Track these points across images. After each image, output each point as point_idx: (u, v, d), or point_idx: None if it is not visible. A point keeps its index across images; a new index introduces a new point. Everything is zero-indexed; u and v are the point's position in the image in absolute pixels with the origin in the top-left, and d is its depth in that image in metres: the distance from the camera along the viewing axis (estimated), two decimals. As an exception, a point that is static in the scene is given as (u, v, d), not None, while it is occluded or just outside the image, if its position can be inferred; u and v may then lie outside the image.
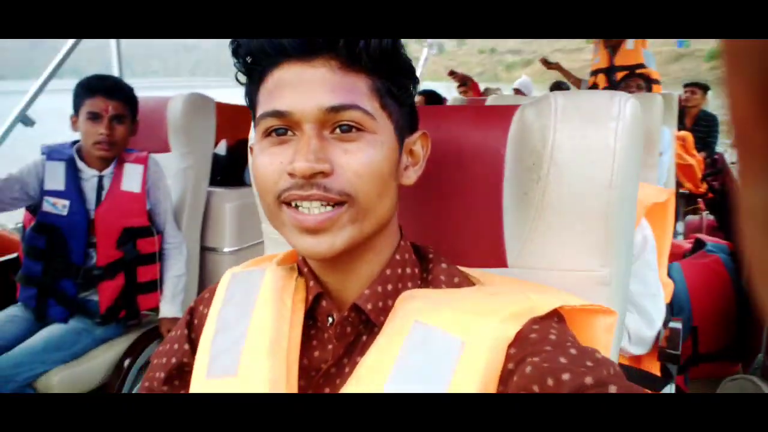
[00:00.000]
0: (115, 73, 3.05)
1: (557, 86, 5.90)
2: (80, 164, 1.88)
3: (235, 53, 0.61)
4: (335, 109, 0.57)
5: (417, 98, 2.61)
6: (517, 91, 6.24)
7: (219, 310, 0.70)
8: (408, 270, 0.67)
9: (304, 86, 0.58)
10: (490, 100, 5.08)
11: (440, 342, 0.57)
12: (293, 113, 0.58)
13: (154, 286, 2.00)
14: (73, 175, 1.85)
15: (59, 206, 1.83)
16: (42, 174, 1.85)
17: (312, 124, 0.58)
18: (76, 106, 1.81)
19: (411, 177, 0.67)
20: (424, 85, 5.75)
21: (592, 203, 0.68)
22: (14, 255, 2.12)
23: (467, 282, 0.67)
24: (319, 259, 0.63)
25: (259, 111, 0.60)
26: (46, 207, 1.84)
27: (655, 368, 1.56)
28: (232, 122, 2.50)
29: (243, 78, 0.64)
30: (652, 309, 1.46)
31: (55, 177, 1.84)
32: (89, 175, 1.89)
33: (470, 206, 0.79)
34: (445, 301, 0.61)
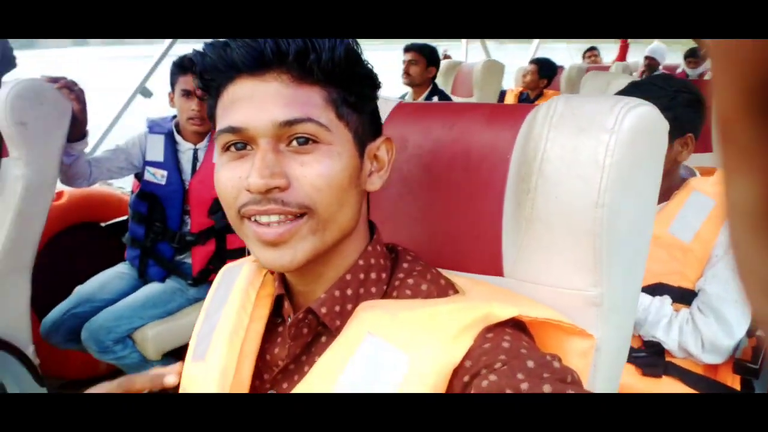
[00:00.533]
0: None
1: (692, 53, 5.39)
2: (178, 137, 2.03)
3: (191, 69, 0.63)
4: (289, 123, 0.58)
5: (529, 67, 2.55)
6: (650, 59, 5.75)
7: (210, 299, 0.76)
8: (373, 275, 0.67)
9: (258, 101, 0.58)
10: (613, 68, 4.75)
11: (388, 357, 0.57)
12: (248, 129, 0.59)
13: (242, 253, 2.13)
14: (171, 148, 2.01)
15: (158, 176, 2.00)
16: (144, 146, 2.02)
17: (267, 138, 0.58)
18: (172, 83, 1.95)
19: (375, 183, 0.67)
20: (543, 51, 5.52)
21: (579, 220, 0.64)
22: (126, 217, 2.35)
23: (438, 289, 0.66)
24: (282, 271, 0.65)
25: (218, 126, 0.62)
26: (147, 176, 2.01)
27: (734, 381, 1.43)
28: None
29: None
30: (731, 316, 1.34)
31: (156, 149, 2.01)
32: (185, 147, 2.03)
33: (474, 211, 0.77)
34: (402, 314, 0.60)
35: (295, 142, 0.59)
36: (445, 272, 0.73)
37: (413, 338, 0.57)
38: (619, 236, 0.64)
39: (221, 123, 0.61)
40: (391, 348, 0.57)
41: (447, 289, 0.66)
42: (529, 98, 4.07)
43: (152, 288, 2.04)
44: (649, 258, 1.44)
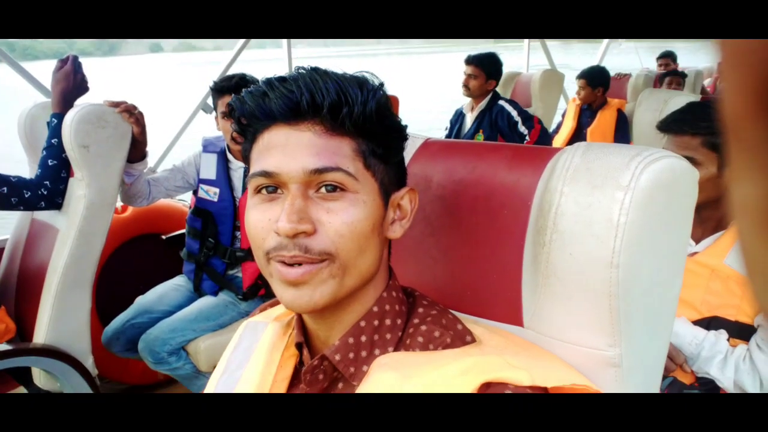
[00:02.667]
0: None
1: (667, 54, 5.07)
2: (229, 156, 2.09)
3: (231, 114, 0.66)
4: (319, 171, 0.61)
5: (578, 83, 2.48)
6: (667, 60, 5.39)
7: (231, 351, 0.78)
8: (388, 321, 0.67)
9: (291, 149, 0.61)
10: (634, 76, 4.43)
11: None
12: (280, 174, 0.61)
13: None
14: (223, 166, 2.07)
15: (211, 193, 2.07)
16: (199, 164, 2.09)
17: (297, 184, 0.61)
18: (214, 105, 2.01)
19: (397, 231, 0.69)
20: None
21: (594, 280, 0.61)
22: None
23: (454, 335, 0.66)
24: (301, 312, 0.67)
25: (252, 169, 0.65)
26: (201, 193, 2.08)
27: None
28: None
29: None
30: None
31: (209, 167, 2.07)
32: (237, 166, 2.09)
33: (494, 257, 0.75)
34: (414, 376, 0.61)
35: (323, 189, 0.62)
36: (465, 317, 0.72)
37: None
38: (637, 297, 0.61)
39: (255, 167, 0.64)
40: None
41: (464, 336, 0.66)
42: (590, 108, 3.94)
43: (205, 301, 2.11)
44: (704, 290, 1.38)
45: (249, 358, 0.75)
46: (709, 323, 1.37)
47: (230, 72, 2.60)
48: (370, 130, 0.63)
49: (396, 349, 0.66)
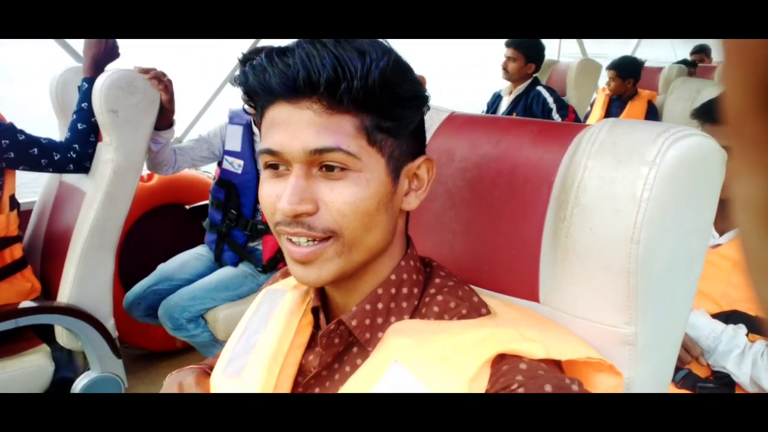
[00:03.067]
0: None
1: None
2: (255, 129, 2.10)
3: (244, 89, 0.65)
4: (319, 151, 0.60)
5: (608, 74, 2.45)
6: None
7: (248, 318, 0.79)
8: (404, 290, 0.68)
9: (292, 127, 0.60)
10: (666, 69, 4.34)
11: (411, 388, 0.59)
12: (283, 153, 0.61)
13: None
14: (248, 138, 2.09)
15: (235, 165, 2.09)
16: (224, 135, 2.11)
17: (299, 164, 0.61)
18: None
19: (412, 202, 0.68)
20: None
21: (614, 255, 0.61)
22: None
23: (469, 307, 0.66)
24: (311, 286, 0.68)
25: (261, 144, 0.64)
26: (225, 165, 2.10)
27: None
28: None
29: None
30: None
31: (234, 139, 2.09)
32: (262, 139, 2.10)
33: (514, 232, 0.75)
34: (428, 345, 0.61)
35: (325, 168, 0.61)
36: (481, 291, 0.72)
37: (436, 373, 0.58)
38: (656, 275, 0.61)
39: (262, 143, 0.64)
40: (414, 380, 0.59)
41: (479, 308, 0.66)
42: (620, 99, 3.87)
43: (225, 272, 2.13)
44: (725, 283, 1.36)
45: (267, 324, 0.76)
46: (728, 317, 1.35)
47: (260, 45, 2.61)
48: (374, 103, 0.60)
49: (411, 317, 0.67)
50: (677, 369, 1.39)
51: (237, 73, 0.66)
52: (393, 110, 0.62)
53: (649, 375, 0.65)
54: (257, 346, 0.75)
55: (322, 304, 0.73)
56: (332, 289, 0.70)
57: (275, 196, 0.63)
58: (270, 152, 0.62)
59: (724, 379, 1.34)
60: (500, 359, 0.58)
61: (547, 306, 0.70)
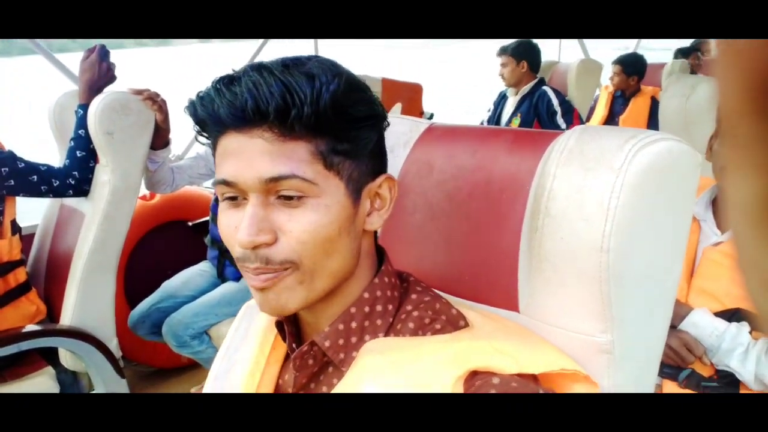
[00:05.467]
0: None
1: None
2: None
3: (194, 119, 0.63)
4: (274, 180, 0.58)
5: (613, 68, 2.42)
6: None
7: (230, 337, 0.79)
8: (379, 307, 0.67)
9: (245, 157, 0.59)
10: (668, 66, 4.30)
11: None
12: (238, 183, 0.59)
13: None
14: (246, 154, 2.09)
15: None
16: (222, 152, 2.12)
17: (256, 193, 0.59)
18: None
19: (375, 222, 0.66)
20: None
21: (585, 264, 0.60)
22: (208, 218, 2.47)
23: (447, 320, 0.65)
24: (273, 315, 0.67)
25: (215, 176, 0.63)
26: (224, 181, 2.11)
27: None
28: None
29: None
30: None
31: None
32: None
33: (493, 243, 0.74)
34: (401, 361, 0.60)
35: (283, 197, 0.59)
36: (461, 303, 0.71)
37: (409, 392, 0.57)
38: (629, 282, 0.60)
39: (217, 173, 0.62)
40: None
41: (457, 320, 0.66)
42: (623, 96, 3.85)
43: (228, 287, 2.14)
44: (728, 281, 1.34)
45: (245, 341, 0.76)
46: (731, 315, 1.33)
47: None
48: (328, 127, 0.59)
49: (386, 335, 0.66)
50: (680, 369, 1.37)
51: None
52: (348, 132, 0.61)
53: (629, 383, 0.64)
54: (237, 364, 0.75)
55: (293, 320, 0.72)
56: (303, 311, 0.69)
57: (234, 227, 0.61)
58: (225, 183, 0.60)
59: (728, 378, 1.32)
60: (473, 375, 0.57)
61: (527, 316, 0.70)
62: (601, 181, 0.58)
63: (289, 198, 0.59)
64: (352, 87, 0.61)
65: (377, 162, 0.67)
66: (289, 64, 0.58)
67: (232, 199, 0.61)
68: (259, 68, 0.58)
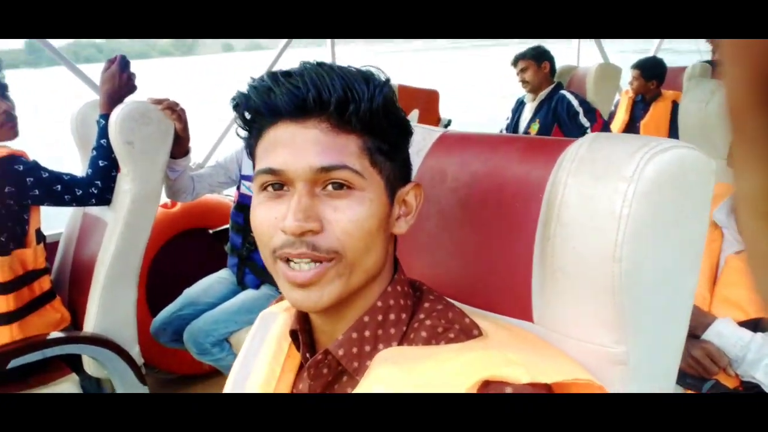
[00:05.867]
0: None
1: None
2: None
3: (235, 108, 0.66)
4: (325, 169, 0.60)
5: (632, 73, 2.40)
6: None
7: (247, 345, 0.79)
8: (392, 316, 0.67)
9: (297, 146, 0.60)
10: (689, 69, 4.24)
11: None
12: (287, 171, 0.61)
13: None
14: (264, 162, 2.11)
15: (252, 189, 2.11)
16: (241, 160, 2.14)
17: (304, 182, 0.60)
18: None
19: (402, 227, 0.68)
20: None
21: (597, 274, 0.59)
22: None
23: (460, 329, 0.65)
24: (308, 311, 0.68)
25: (257, 166, 0.64)
26: (243, 189, 2.13)
27: None
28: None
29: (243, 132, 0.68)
30: None
31: (251, 164, 2.11)
32: (278, 162, 2.12)
33: (505, 251, 0.74)
34: (414, 371, 0.60)
35: (330, 187, 0.61)
36: (474, 312, 0.71)
37: None
38: (643, 292, 0.59)
39: (261, 163, 0.63)
40: None
41: (470, 330, 0.65)
42: (644, 100, 3.80)
43: (248, 294, 2.15)
44: (750, 288, 1.31)
45: (260, 349, 0.76)
46: (756, 324, 1.30)
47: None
48: (377, 126, 0.62)
49: (400, 344, 0.66)
50: (704, 380, 1.34)
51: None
52: (391, 134, 0.64)
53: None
54: (252, 372, 0.75)
55: (307, 330, 0.72)
56: (319, 318, 0.69)
57: (274, 218, 0.61)
58: (271, 171, 0.61)
59: (754, 390, 1.29)
60: (486, 385, 0.57)
61: (541, 326, 0.69)
62: (613, 189, 0.57)
63: (338, 187, 0.61)
64: (393, 98, 0.65)
65: (406, 169, 0.70)
66: (345, 66, 0.62)
67: (276, 188, 0.62)
68: (317, 65, 0.61)
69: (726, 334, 1.31)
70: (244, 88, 0.64)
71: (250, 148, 0.68)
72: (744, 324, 1.31)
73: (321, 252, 0.60)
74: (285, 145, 0.61)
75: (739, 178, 0.20)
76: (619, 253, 0.57)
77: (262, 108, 0.62)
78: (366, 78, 0.61)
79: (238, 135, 0.69)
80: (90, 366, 1.84)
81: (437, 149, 0.86)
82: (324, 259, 0.61)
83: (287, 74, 0.61)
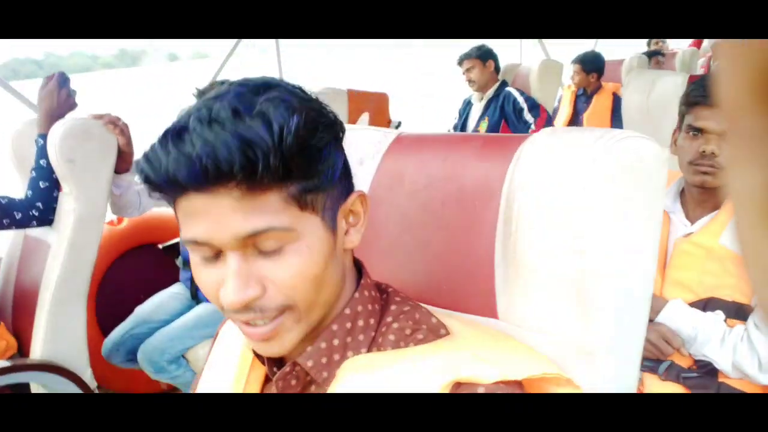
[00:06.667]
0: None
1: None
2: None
3: (146, 182, 0.57)
4: (251, 236, 0.56)
5: (573, 68, 2.45)
6: None
7: (214, 352, 0.77)
8: (360, 322, 0.66)
9: (214, 216, 0.55)
10: (680, 56, 4.45)
11: None
12: (212, 242, 0.56)
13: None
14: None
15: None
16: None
17: (233, 251, 0.57)
18: None
19: (354, 239, 0.66)
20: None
21: (559, 266, 0.60)
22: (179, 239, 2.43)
23: (428, 330, 0.64)
24: (276, 356, 0.66)
25: (182, 233, 0.59)
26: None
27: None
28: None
29: None
30: None
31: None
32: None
33: (468, 249, 0.74)
34: (384, 377, 0.60)
35: (262, 248, 0.57)
36: (440, 312, 0.70)
37: None
38: (604, 281, 0.60)
39: (184, 232, 0.58)
40: None
41: (438, 329, 0.65)
42: (585, 94, 3.92)
43: (203, 308, 2.10)
44: (700, 271, 1.36)
45: (226, 358, 0.75)
46: (705, 304, 1.35)
47: (220, 78, 2.61)
48: (296, 169, 0.55)
49: (369, 350, 0.65)
50: (660, 361, 1.38)
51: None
52: (316, 167, 0.58)
53: (611, 381, 0.64)
54: (218, 381, 0.74)
55: None
56: None
57: (216, 282, 0.58)
58: (197, 243, 0.57)
59: (706, 367, 1.34)
60: (457, 386, 0.57)
61: (506, 322, 0.69)
62: (572, 181, 0.58)
63: (270, 248, 0.57)
64: (310, 116, 0.57)
65: (346, 183, 0.65)
66: (239, 110, 0.53)
67: (208, 255, 0.58)
68: (208, 122, 0.53)
69: (678, 316, 1.35)
70: (141, 160, 0.57)
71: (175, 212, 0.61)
72: (693, 305, 1.36)
73: (270, 312, 0.58)
74: (201, 215, 0.55)
75: (735, 178, 0.20)
76: (580, 244, 0.57)
77: (162, 185, 0.55)
78: (267, 122, 0.53)
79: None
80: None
81: (393, 151, 0.86)
82: (276, 316, 0.59)
83: (179, 137, 0.53)
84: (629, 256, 0.61)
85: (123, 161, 1.83)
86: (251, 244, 0.56)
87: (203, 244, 0.57)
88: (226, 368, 0.73)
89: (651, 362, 1.40)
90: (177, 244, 2.45)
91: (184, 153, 0.52)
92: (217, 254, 0.58)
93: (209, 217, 0.55)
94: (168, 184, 0.54)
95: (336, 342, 0.65)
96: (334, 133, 0.61)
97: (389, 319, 0.66)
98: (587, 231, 0.57)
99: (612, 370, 0.63)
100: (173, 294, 2.21)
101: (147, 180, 0.56)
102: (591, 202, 0.57)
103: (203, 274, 0.60)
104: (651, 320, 1.36)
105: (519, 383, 0.59)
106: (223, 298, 0.57)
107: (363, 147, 0.86)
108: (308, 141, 0.56)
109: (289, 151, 0.53)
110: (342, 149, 0.63)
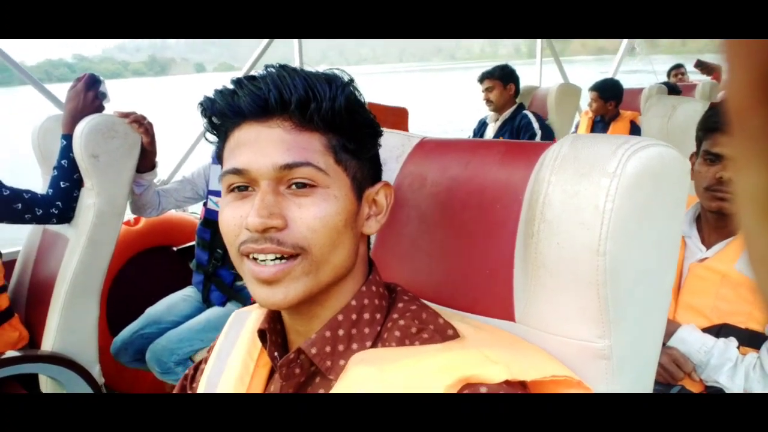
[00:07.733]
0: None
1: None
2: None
3: (203, 113, 0.66)
4: (288, 167, 0.61)
5: (590, 95, 2.46)
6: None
7: (220, 343, 0.78)
8: (366, 315, 0.67)
9: (261, 145, 0.61)
10: (700, 88, 4.47)
11: None
12: (250, 171, 0.61)
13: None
14: (232, 177, 2.09)
15: (219, 205, 2.08)
16: (209, 176, 2.11)
17: (267, 180, 0.61)
18: None
19: (372, 226, 0.69)
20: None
21: (582, 268, 0.60)
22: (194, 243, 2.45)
23: (434, 330, 0.64)
24: (275, 309, 0.66)
25: (223, 167, 0.64)
26: (210, 205, 2.10)
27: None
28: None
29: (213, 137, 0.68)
30: None
31: (218, 179, 2.09)
32: (246, 177, 2.11)
33: (487, 252, 0.75)
34: (390, 372, 0.60)
35: (294, 186, 0.61)
36: (451, 314, 0.71)
37: None
38: (625, 286, 0.60)
39: (227, 164, 0.64)
40: None
41: (445, 330, 0.65)
42: (603, 120, 3.92)
43: (213, 312, 2.11)
44: (714, 296, 1.36)
45: (234, 345, 0.76)
46: (719, 331, 1.34)
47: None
48: (340, 125, 0.63)
49: (374, 344, 0.65)
50: (670, 385, 1.37)
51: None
52: (356, 133, 0.65)
53: (627, 388, 0.64)
54: (226, 368, 0.75)
55: (277, 329, 0.71)
56: (291, 317, 0.69)
57: (240, 217, 0.62)
58: (236, 171, 0.62)
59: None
60: (464, 385, 0.57)
61: (523, 324, 0.70)
62: (596, 185, 0.59)
63: (301, 186, 0.61)
64: (358, 98, 0.67)
65: (376, 169, 0.70)
66: (308, 71, 0.63)
67: (241, 189, 0.63)
68: (280, 67, 0.62)
69: (690, 340, 1.34)
70: (209, 94, 0.65)
71: (218, 152, 0.68)
72: (706, 330, 1.35)
73: (286, 247, 0.60)
74: (249, 145, 0.62)
75: (740, 177, 0.20)
76: (604, 247, 0.58)
77: (226, 110, 0.63)
78: (328, 79, 0.63)
79: (207, 140, 0.69)
80: (47, 386, 1.77)
81: (416, 154, 0.87)
82: (289, 255, 0.61)
83: (251, 78, 0.63)
84: (651, 261, 0.62)
85: (146, 160, 1.86)
86: (286, 178, 0.61)
87: (242, 172, 0.61)
88: (237, 351, 0.74)
89: (661, 386, 1.39)
90: (192, 247, 2.46)
91: (254, 85, 0.61)
92: (251, 189, 0.62)
93: (256, 146, 0.61)
94: (232, 112, 0.63)
95: (341, 332, 0.65)
96: (374, 123, 0.69)
97: (395, 315, 0.67)
98: (610, 233, 0.58)
99: (628, 376, 0.63)
100: (185, 296, 2.23)
101: (212, 109, 0.64)
102: (615, 204, 0.58)
103: (229, 209, 0.63)
104: (663, 344, 1.35)
105: (523, 384, 0.59)
106: (248, 220, 0.60)
107: (386, 149, 0.88)
108: (355, 108, 0.65)
109: (339, 106, 0.62)
110: (378, 143, 0.70)
